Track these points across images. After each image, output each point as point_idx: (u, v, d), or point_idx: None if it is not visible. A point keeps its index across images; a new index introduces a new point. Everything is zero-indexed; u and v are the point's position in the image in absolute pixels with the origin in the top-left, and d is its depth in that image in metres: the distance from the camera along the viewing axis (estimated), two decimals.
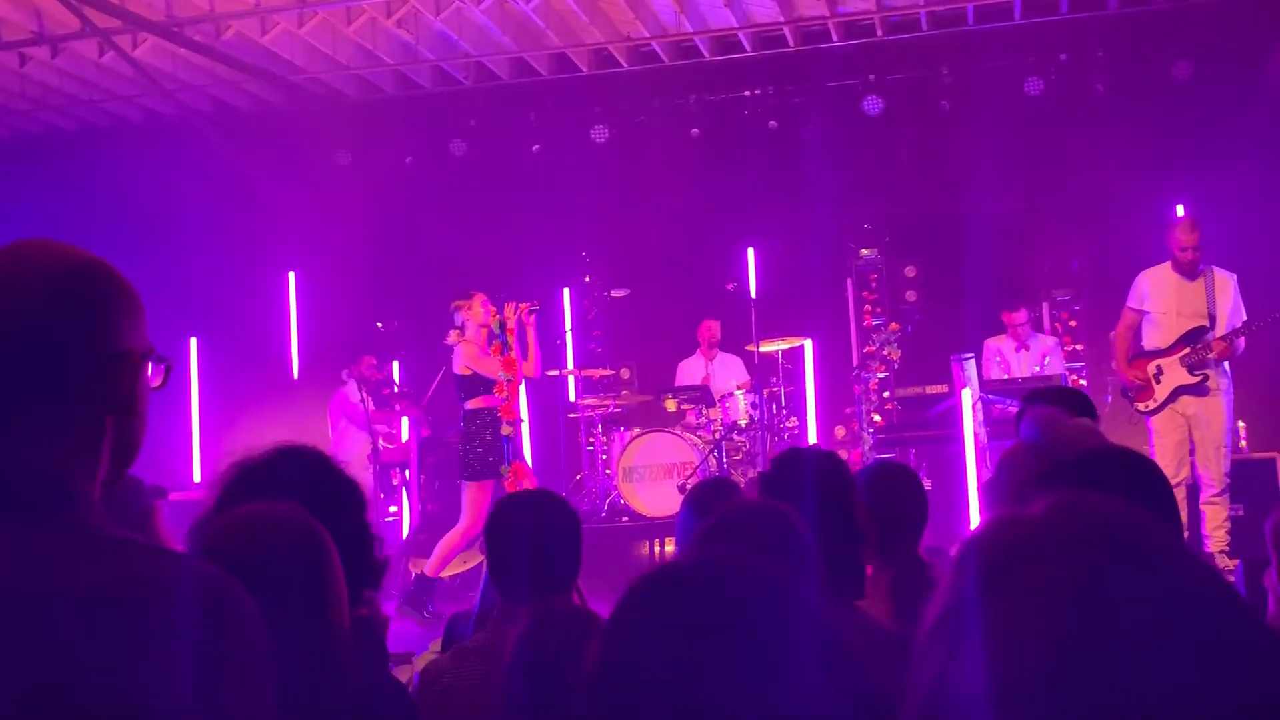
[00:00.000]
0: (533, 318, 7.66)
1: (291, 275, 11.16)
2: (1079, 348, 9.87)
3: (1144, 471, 2.11)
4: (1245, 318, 7.10)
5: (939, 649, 0.86)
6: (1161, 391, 7.11)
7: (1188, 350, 7.06)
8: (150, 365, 1.35)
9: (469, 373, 7.43)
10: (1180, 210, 9.25)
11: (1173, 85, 9.38)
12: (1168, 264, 7.24)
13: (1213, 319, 7.07)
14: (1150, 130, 9.41)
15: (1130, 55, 9.58)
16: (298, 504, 1.85)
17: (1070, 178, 9.66)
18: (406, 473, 9.77)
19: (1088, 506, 0.89)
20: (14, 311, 1.23)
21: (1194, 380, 7.03)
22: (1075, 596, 0.81)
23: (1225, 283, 7.18)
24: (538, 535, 2.86)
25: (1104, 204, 9.65)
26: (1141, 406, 7.21)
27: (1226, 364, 7.10)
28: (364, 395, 9.21)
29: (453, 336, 7.49)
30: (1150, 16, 9.24)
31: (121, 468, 1.31)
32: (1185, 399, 7.05)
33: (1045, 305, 10.04)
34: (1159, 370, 7.14)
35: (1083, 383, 9.61)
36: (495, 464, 7.38)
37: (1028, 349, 9.08)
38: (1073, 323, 10.16)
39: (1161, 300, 7.21)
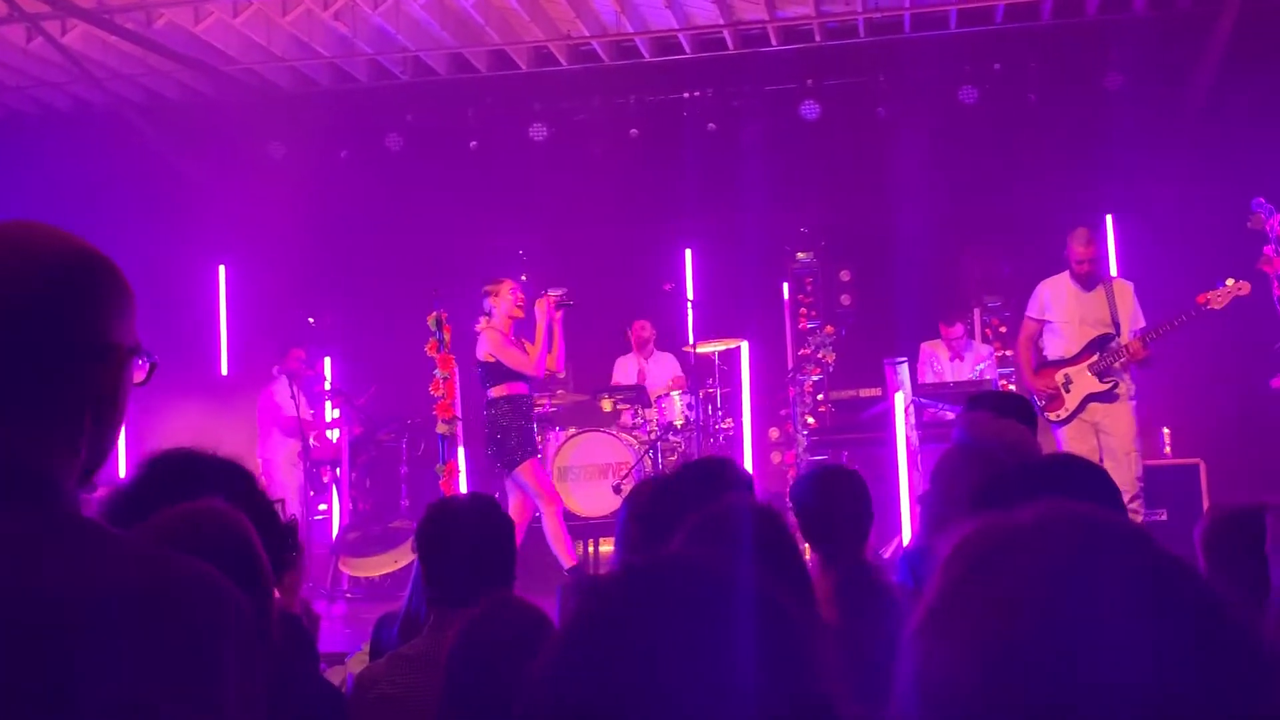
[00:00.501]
0: (560, 312, 7.56)
1: (222, 268, 11.00)
2: (1008, 354, 10.00)
3: (1098, 479, 2.14)
4: (1144, 324, 7.09)
5: (927, 644, 0.87)
6: (1072, 400, 7.07)
7: (1096, 357, 7.03)
8: (137, 361, 1.32)
9: (492, 360, 7.29)
10: (1109, 221, 9.45)
11: (1103, 96, 9.55)
12: (1066, 274, 7.23)
13: (1117, 326, 7.05)
14: (1080, 140, 9.56)
15: (1062, 66, 9.74)
16: (221, 500, 1.84)
17: (1003, 185, 9.80)
18: (338, 470, 9.66)
19: (1078, 510, 0.90)
20: (3, 297, 1.20)
21: (1104, 387, 7.00)
22: (1066, 596, 0.82)
23: (1124, 289, 7.19)
24: (474, 540, 2.83)
25: (1035, 212, 9.78)
26: (1053, 416, 7.14)
27: (1131, 371, 7.10)
28: (295, 391, 9.08)
29: (481, 323, 7.36)
30: (1082, 28, 9.39)
31: (98, 462, 1.28)
32: (1094, 406, 7.04)
33: (976, 311, 10.17)
34: (1067, 380, 7.10)
35: (1012, 387, 9.74)
36: (530, 445, 7.34)
37: (962, 359, 9.19)
38: (1002, 329, 10.30)
39: (1063, 310, 7.19)
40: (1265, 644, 0.84)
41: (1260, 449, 8.41)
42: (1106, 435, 6.99)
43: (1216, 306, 6.75)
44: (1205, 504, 7.38)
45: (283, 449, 9.38)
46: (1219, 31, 8.68)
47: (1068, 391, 7.09)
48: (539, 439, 7.94)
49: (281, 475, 9.27)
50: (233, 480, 2.24)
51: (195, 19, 9.01)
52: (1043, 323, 7.29)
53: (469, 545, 2.81)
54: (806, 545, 3.22)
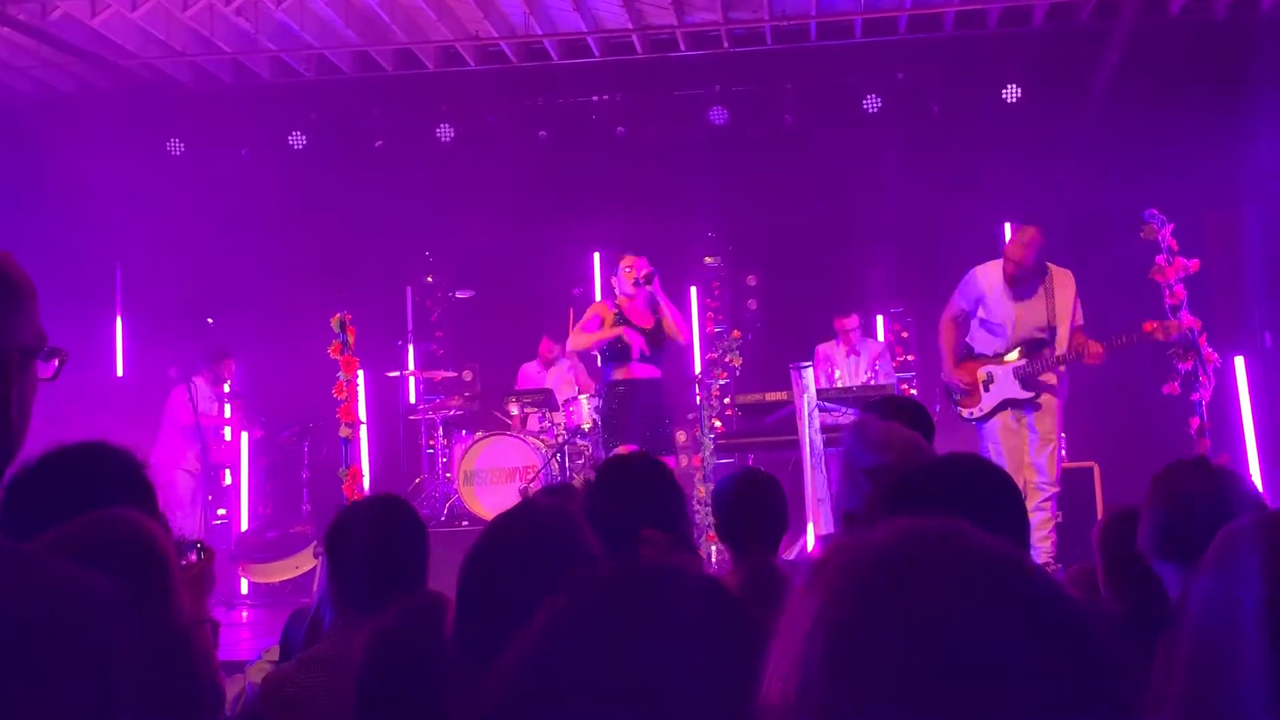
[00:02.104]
0: (649, 285, 7.23)
1: (118, 267, 10.72)
2: (910, 358, 10.17)
3: (996, 480, 2.16)
4: (1081, 322, 6.82)
5: (791, 655, 0.87)
6: (989, 401, 6.86)
7: (1024, 363, 6.79)
8: (41, 360, 1.27)
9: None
10: (1007, 228, 9.64)
11: (1002, 106, 9.76)
12: (1000, 264, 6.88)
13: (1052, 330, 6.76)
14: (980, 149, 9.76)
15: (963, 77, 9.92)
16: (136, 509, 1.79)
17: (906, 193, 9.94)
18: (230, 476, 9.48)
19: (929, 534, 0.88)
20: None
21: (1026, 396, 6.77)
22: (912, 626, 0.81)
23: (1065, 281, 6.84)
24: (378, 542, 2.80)
25: (937, 219, 9.97)
26: (965, 411, 6.97)
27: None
28: (194, 396, 8.89)
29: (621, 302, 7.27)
30: (983, 40, 9.59)
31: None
32: (1010, 409, 6.79)
33: (880, 317, 10.33)
34: (990, 377, 6.88)
35: (913, 391, 9.91)
36: (619, 430, 7.11)
37: (858, 354, 9.29)
38: (905, 334, 10.47)
39: (1001, 308, 6.87)
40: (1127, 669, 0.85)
41: (1152, 452, 8.62)
42: (1030, 431, 6.75)
43: (1160, 338, 6.51)
44: (1099, 506, 7.57)
45: (180, 454, 9.18)
46: (1114, 45, 8.92)
47: (987, 390, 6.88)
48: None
49: (178, 481, 9.07)
50: (133, 484, 2.19)
51: (92, 11, 8.78)
52: (970, 311, 6.99)
53: (373, 547, 2.78)
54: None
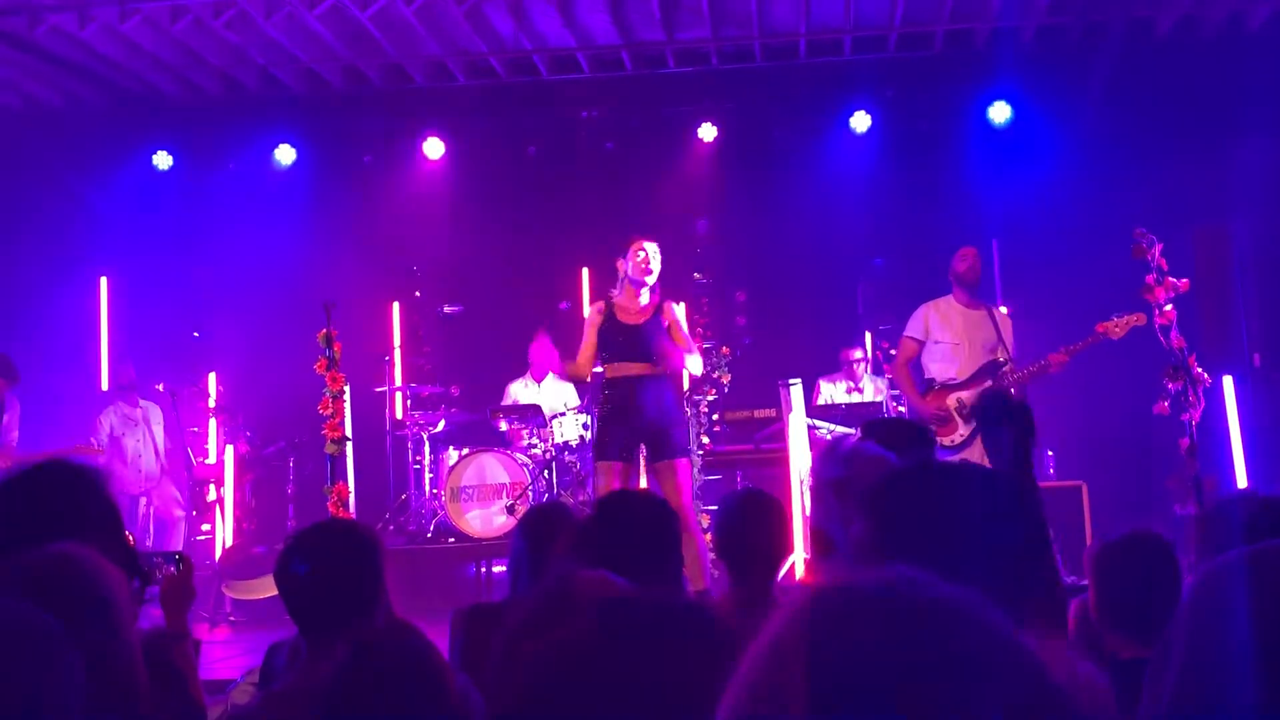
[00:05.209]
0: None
1: (104, 280, 10.66)
2: None
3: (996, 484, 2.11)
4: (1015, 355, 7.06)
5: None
6: (967, 426, 6.91)
7: (988, 384, 6.92)
8: None
9: None
10: (995, 246, 9.65)
11: (991, 123, 9.77)
12: (950, 296, 7.18)
13: (1008, 352, 7.01)
14: (969, 166, 9.75)
15: (952, 94, 9.91)
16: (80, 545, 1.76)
17: (894, 210, 9.94)
18: (219, 489, 9.40)
19: (905, 588, 0.91)
20: None
21: None
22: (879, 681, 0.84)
23: (1005, 320, 7.20)
24: (326, 570, 2.72)
25: (925, 237, 9.95)
26: (946, 441, 6.96)
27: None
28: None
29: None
30: (972, 58, 9.59)
31: None
32: None
33: (868, 334, 10.30)
34: (961, 404, 6.96)
35: (902, 409, 9.88)
36: (601, 441, 6.49)
37: (861, 391, 9.27)
38: (893, 351, 10.44)
39: (952, 331, 7.07)
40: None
41: (1140, 472, 8.64)
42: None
43: (1115, 336, 6.76)
44: (1088, 525, 7.54)
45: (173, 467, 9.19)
46: (1103, 63, 8.94)
47: (961, 416, 6.95)
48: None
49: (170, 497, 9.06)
50: (95, 505, 2.16)
51: (80, 24, 8.74)
52: (923, 344, 7.16)
53: (317, 577, 2.70)
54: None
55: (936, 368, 7.12)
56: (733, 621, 3.01)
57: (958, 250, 7.17)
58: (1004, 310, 7.25)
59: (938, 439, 6.91)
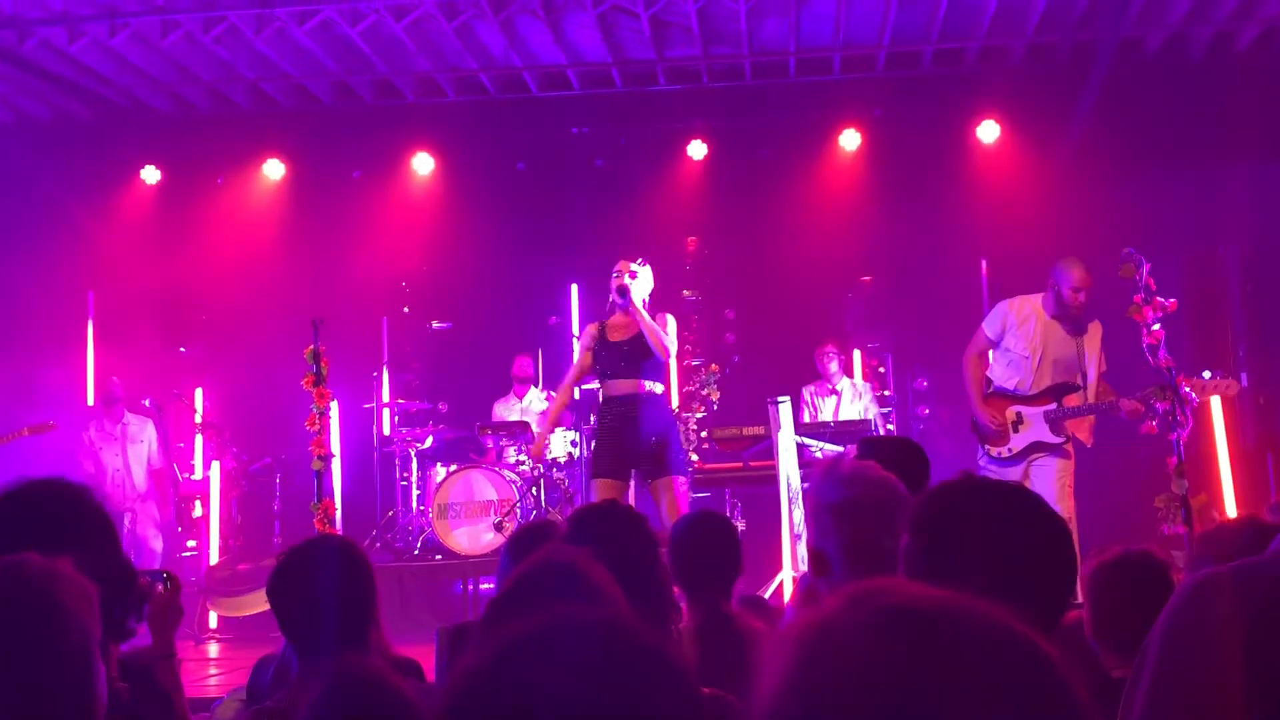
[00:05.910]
0: (623, 298, 6.49)
1: (90, 295, 10.62)
2: (888, 393, 10.15)
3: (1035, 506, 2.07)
4: (1105, 368, 6.68)
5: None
6: (1019, 442, 6.59)
7: (1054, 406, 6.53)
8: None
9: None
10: (983, 265, 9.67)
11: (980, 142, 9.79)
12: (1039, 299, 6.70)
13: (1084, 377, 6.59)
14: (958, 185, 9.77)
15: (941, 113, 9.93)
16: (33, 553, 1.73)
17: (883, 228, 9.94)
18: (205, 506, 9.36)
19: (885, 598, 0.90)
20: None
21: (1056, 441, 6.52)
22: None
23: (1095, 331, 6.69)
24: (321, 587, 2.70)
25: (914, 255, 9.98)
26: (993, 451, 6.65)
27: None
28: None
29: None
30: (961, 78, 9.62)
31: None
32: (1038, 453, 6.54)
33: (858, 352, 10.31)
34: (1020, 417, 6.60)
35: (891, 427, 9.88)
36: (595, 458, 6.48)
37: (837, 394, 9.26)
38: (881, 369, 10.45)
39: (1031, 340, 6.63)
40: None
41: (1128, 494, 8.65)
42: (1040, 482, 6.38)
43: (1198, 398, 6.25)
44: (1076, 544, 7.52)
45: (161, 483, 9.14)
46: (1092, 83, 8.98)
47: (1016, 431, 6.61)
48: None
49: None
50: (88, 521, 2.14)
51: (70, 39, 8.72)
52: (995, 344, 6.75)
53: (312, 593, 2.67)
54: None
55: (1001, 372, 6.77)
56: (691, 643, 3.02)
57: (1075, 269, 6.57)
58: (1097, 324, 6.68)
59: (987, 445, 6.70)
